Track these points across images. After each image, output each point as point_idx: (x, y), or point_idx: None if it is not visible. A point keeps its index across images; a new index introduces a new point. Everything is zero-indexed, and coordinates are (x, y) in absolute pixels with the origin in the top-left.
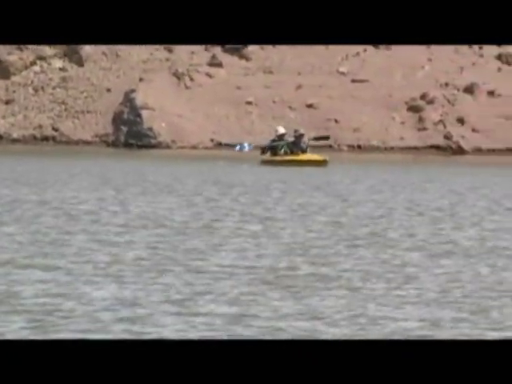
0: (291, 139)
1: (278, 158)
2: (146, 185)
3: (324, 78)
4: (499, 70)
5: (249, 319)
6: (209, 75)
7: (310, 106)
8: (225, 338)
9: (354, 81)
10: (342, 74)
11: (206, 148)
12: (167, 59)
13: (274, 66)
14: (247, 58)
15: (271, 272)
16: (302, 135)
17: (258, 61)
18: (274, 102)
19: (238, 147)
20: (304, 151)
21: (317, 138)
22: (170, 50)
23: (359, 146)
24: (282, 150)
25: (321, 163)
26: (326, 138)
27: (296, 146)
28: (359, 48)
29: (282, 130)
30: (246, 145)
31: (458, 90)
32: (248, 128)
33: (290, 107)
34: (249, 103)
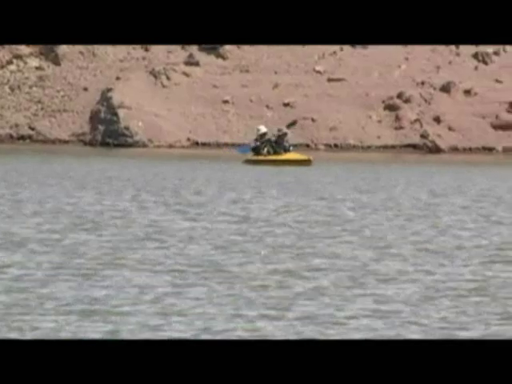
0: (273, 138)
1: (261, 157)
2: (123, 183)
3: (301, 76)
4: (476, 68)
5: (223, 318)
6: (185, 74)
7: (286, 104)
8: (201, 338)
9: (330, 80)
10: (319, 72)
11: (183, 147)
12: (144, 58)
13: (250, 64)
14: (224, 57)
15: (244, 271)
16: (285, 134)
17: (235, 60)
18: (250, 100)
19: (241, 148)
20: (287, 150)
21: (288, 126)
22: (146, 49)
23: (336, 145)
24: (265, 150)
25: (305, 163)
26: (295, 122)
27: (279, 145)
28: (336, 47)
29: (263, 129)
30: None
31: (435, 88)
32: (225, 127)
33: (267, 106)
34: (225, 102)
